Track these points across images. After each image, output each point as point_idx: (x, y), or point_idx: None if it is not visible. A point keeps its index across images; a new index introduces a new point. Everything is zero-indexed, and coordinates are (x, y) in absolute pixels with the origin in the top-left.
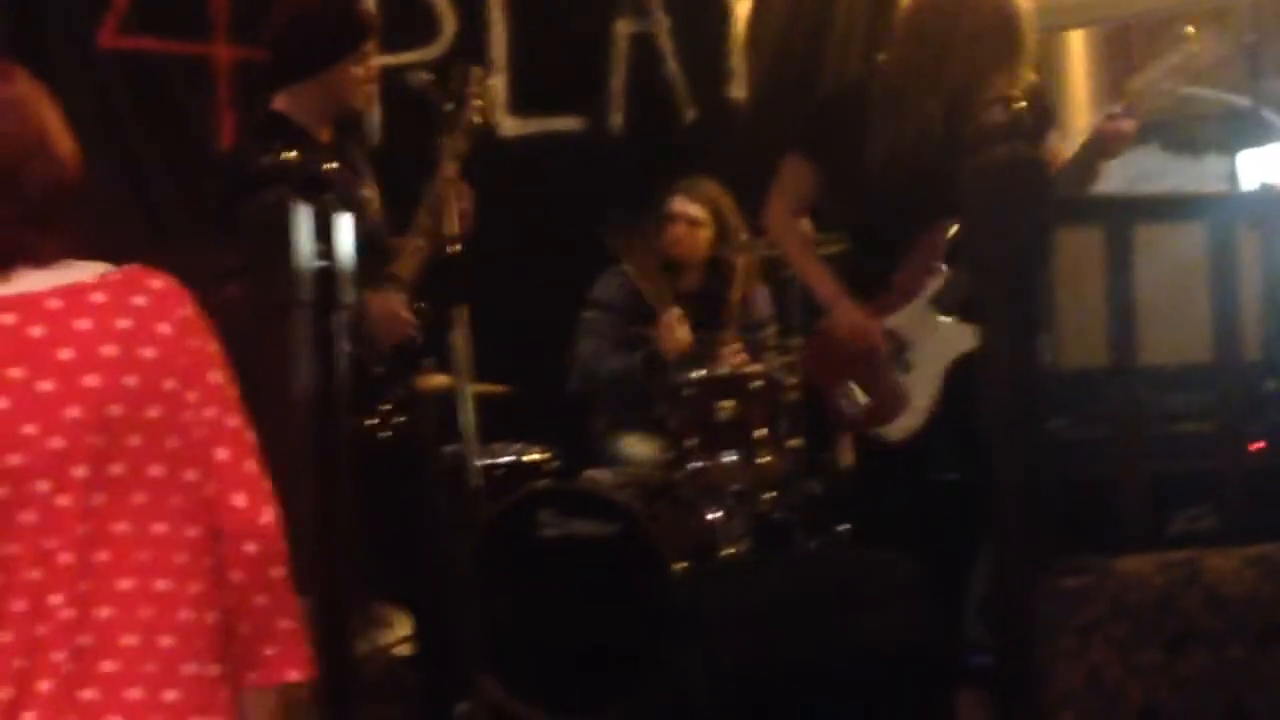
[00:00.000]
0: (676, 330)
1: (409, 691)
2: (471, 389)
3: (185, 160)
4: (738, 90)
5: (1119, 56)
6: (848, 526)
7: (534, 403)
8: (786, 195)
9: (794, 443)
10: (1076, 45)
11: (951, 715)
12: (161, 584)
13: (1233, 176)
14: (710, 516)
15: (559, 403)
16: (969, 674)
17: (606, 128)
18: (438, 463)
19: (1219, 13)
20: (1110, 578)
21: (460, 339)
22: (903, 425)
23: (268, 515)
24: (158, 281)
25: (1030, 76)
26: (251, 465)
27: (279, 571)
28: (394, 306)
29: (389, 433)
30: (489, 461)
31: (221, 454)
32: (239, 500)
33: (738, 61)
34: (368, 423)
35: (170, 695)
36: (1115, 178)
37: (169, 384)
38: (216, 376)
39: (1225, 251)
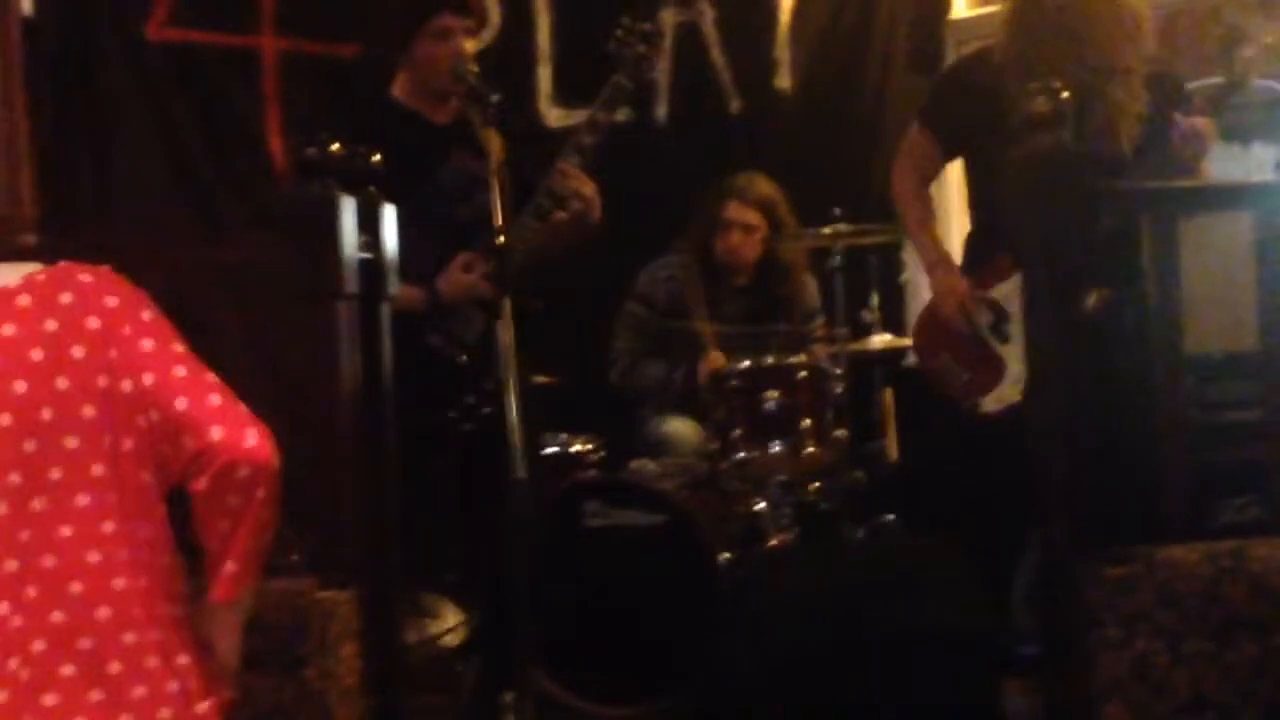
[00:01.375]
0: (715, 364)
1: (455, 681)
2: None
3: (232, 152)
4: (783, 80)
5: (1168, 44)
6: (893, 516)
7: (580, 393)
8: (910, 164)
9: (839, 433)
10: None
11: (998, 704)
12: (119, 582)
13: None
14: (756, 507)
15: (605, 393)
16: (1016, 663)
17: (652, 118)
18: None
19: (1266, 1)
20: (1157, 567)
21: (505, 330)
22: (999, 396)
23: (252, 438)
24: (87, 275)
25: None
26: (216, 399)
27: (265, 491)
28: (453, 272)
29: (472, 424)
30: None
31: (180, 404)
32: (215, 434)
33: (783, 51)
34: (452, 414)
35: (138, 692)
36: None
37: (103, 380)
38: (149, 345)
39: (1272, 241)
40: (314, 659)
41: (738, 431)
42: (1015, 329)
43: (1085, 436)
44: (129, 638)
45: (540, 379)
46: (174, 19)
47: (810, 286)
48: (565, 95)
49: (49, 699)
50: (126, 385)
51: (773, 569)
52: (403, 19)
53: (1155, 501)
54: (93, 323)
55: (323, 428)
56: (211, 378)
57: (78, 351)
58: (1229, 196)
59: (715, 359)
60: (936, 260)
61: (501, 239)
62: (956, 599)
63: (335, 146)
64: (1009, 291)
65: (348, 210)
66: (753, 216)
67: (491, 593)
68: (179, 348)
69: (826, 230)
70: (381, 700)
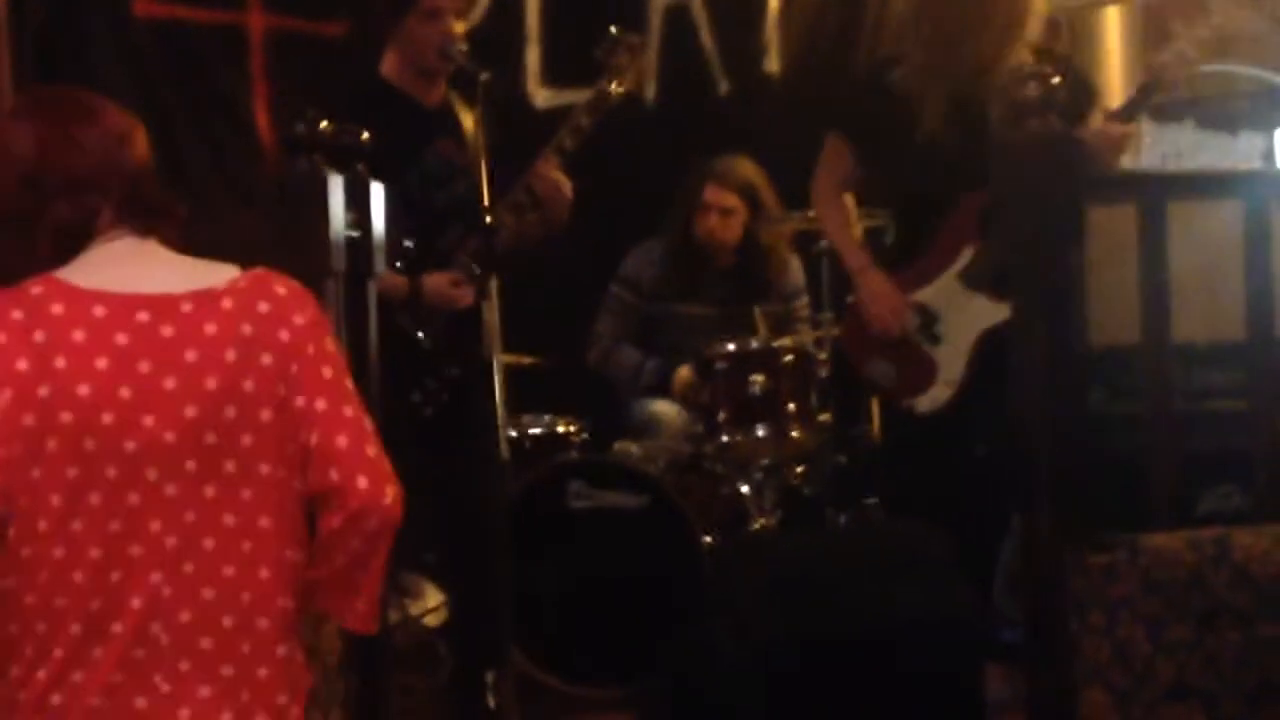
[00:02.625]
0: (688, 387)
1: (436, 661)
2: (502, 360)
3: (218, 129)
4: (772, 64)
5: (1154, 32)
6: (876, 500)
7: (564, 374)
8: (828, 172)
9: (824, 417)
10: (1112, 21)
11: (980, 689)
12: (263, 572)
13: (1269, 154)
14: (740, 490)
15: (588, 374)
16: (998, 648)
17: (640, 99)
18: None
19: None
20: (1140, 554)
21: (490, 310)
22: (931, 397)
23: (389, 495)
24: (282, 288)
25: (1058, 47)
26: (370, 449)
27: (387, 544)
28: (443, 283)
29: (433, 409)
30: (519, 432)
31: (340, 441)
32: (362, 483)
33: (772, 35)
34: (414, 398)
35: (262, 673)
36: (1149, 154)
37: (281, 389)
38: (328, 372)
39: (1259, 229)
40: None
41: (722, 414)
42: (944, 329)
43: (1069, 423)
44: (263, 623)
45: (524, 359)
46: None
47: (793, 266)
48: (553, 76)
49: (184, 665)
50: (300, 401)
51: (755, 552)
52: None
53: (1139, 489)
54: (283, 335)
55: None
56: (369, 424)
57: (266, 359)
58: (1216, 184)
59: (684, 376)
60: (864, 266)
61: (489, 218)
62: (939, 584)
63: (324, 124)
64: (935, 293)
65: (335, 188)
66: (731, 200)
67: (471, 574)
68: (349, 384)
69: (812, 213)
70: (362, 679)
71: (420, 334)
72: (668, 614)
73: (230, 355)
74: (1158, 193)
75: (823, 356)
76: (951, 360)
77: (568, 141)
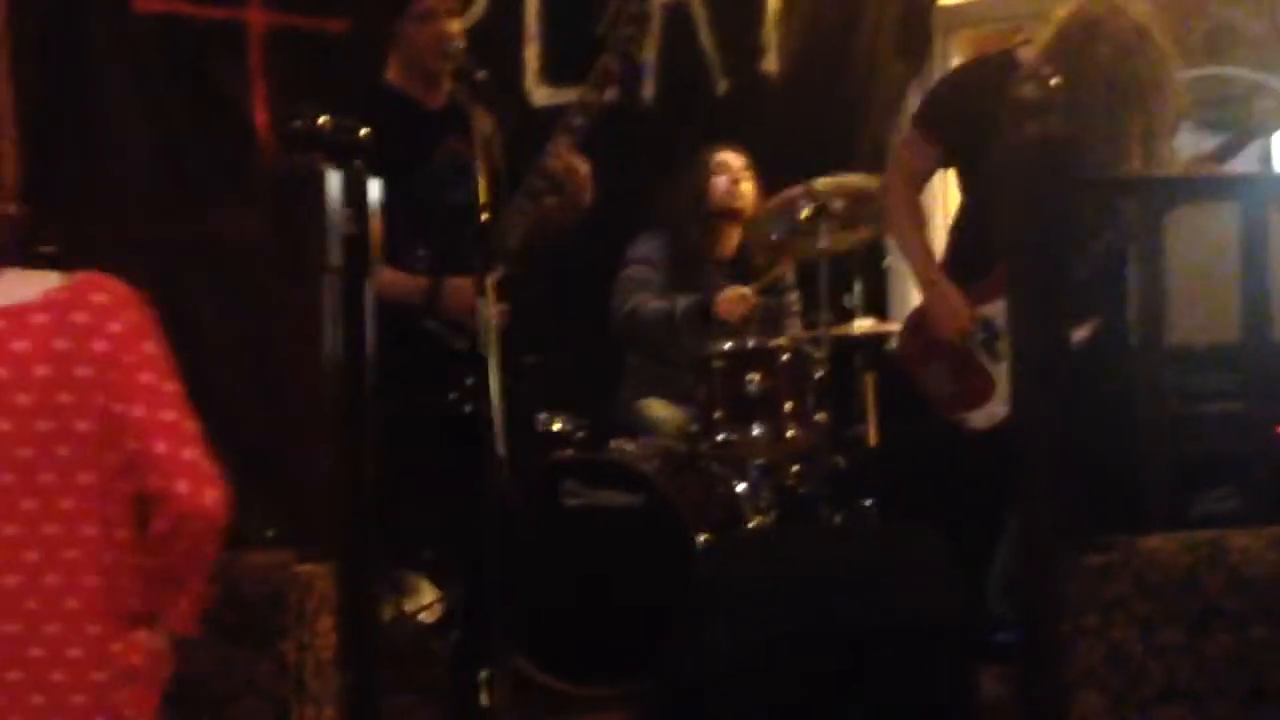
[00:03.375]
0: (740, 301)
1: (431, 658)
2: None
3: (217, 125)
4: (771, 63)
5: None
6: (872, 501)
7: (561, 372)
8: (900, 166)
9: (820, 417)
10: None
11: (974, 690)
12: (90, 579)
13: (1266, 157)
14: (736, 489)
15: (586, 372)
16: (992, 650)
17: (639, 98)
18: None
19: None
20: (1134, 556)
21: (488, 307)
22: (988, 413)
23: (210, 498)
24: (102, 295)
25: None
26: (190, 453)
27: (211, 546)
28: (466, 292)
29: (471, 406)
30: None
31: (159, 447)
32: (182, 487)
33: (771, 35)
34: (453, 396)
35: (98, 675)
36: None
37: (100, 398)
38: (146, 378)
39: (1256, 232)
40: (291, 632)
41: (719, 413)
42: (1006, 347)
43: (1066, 424)
44: (93, 629)
45: (531, 359)
46: None
47: (787, 260)
48: (552, 75)
49: (13, 675)
50: (118, 408)
51: (751, 551)
52: (388, 4)
53: (1134, 491)
54: (99, 345)
55: (304, 401)
56: (193, 427)
57: (82, 371)
58: (1213, 187)
59: (731, 294)
60: (934, 276)
61: (485, 217)
62: (933, 585)
63: (322, 119)
64: (1001, 310)
65: (333, 184)
66: (740, 161)
67: (468, 570)
68: (171, 387)
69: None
70: (357, 675)
71: (448, 336)
72: (662, 613)
73: (41, 371)
74: (1155, 195)
75: (820, 356)
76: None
77: (577, 119)
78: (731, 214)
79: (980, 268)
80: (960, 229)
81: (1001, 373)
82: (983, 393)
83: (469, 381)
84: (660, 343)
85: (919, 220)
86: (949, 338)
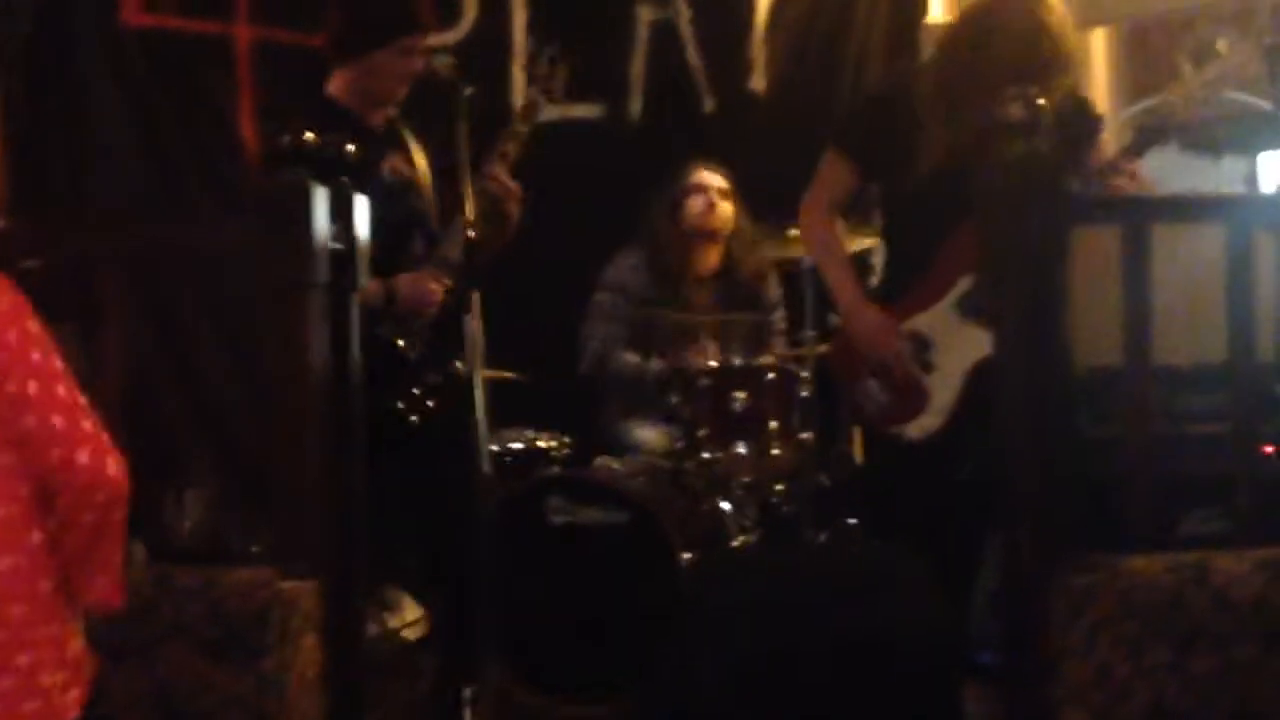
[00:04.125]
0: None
1: (417, 674)
2: (483, 375)
3: (206, 139)
4: (757, 81)
5: (1139, 55)
6: (856, 520)
7: (546, 389)
8: (822, 192)
9: (805, 436)
10: (1098, 44)
11: (959, 710)
12: (6, 560)
13: (1252, 178)
14: (721, 507)
15: (571, 389)
16: (977, 670)
17: (626, 115)
18: (467, 448)
19: (1240, 14)
20: (1120, 576)
21: (474, 325)
22: (922, 424)
23: (112, 467)
24: None
25: (1070, 81)
26: (88, 425)
27: (120, 514)
28: (420, 281)
29: (418, 416)
30: (500, 447)
31: (57, 421)
32: (82, 457)
33: (758, 52)
34: (399, 405)
35: (23, 659)
36: None
37: None
38: (36, 355)
39: (1242, 253)
40: (275, 649)
41: (704, 431)
42: (938, 357)
43: (1050, 444)
44: (17, 610)
45: (506, 374)
46: (150, 4)
47: (772, 278)
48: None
49: None
50: (12, 387)
51: (735, 569)
52: (374, 30)
53: (1120, 511)
54: None
55: (290, 417)
56: (83, 400)
57: None
58: (1200, 208)
59: (707, 350)
60: (852, 298)
61: (470, 232)
62: (918, 604)
63: (309, 135)
64: (930, 321)
65: (319, 199)
66: (720, 180)
67: (450, 588)
68: (58, 364)
69: (794, 232)
70: (342, 692)
71: (401, 342)
72: (647, 630)
73: None
74: (1141, 216)
75: (804, 375)
76: (943, 389)
77: (508, 147)
78: (707, 234)
79: (906, 281)
80: (887, 245)
81: (934, 383)
82: (917, 405)
83: (415, 391)
84: (630, 392)
85: (837, 241)
86: (882, 355)
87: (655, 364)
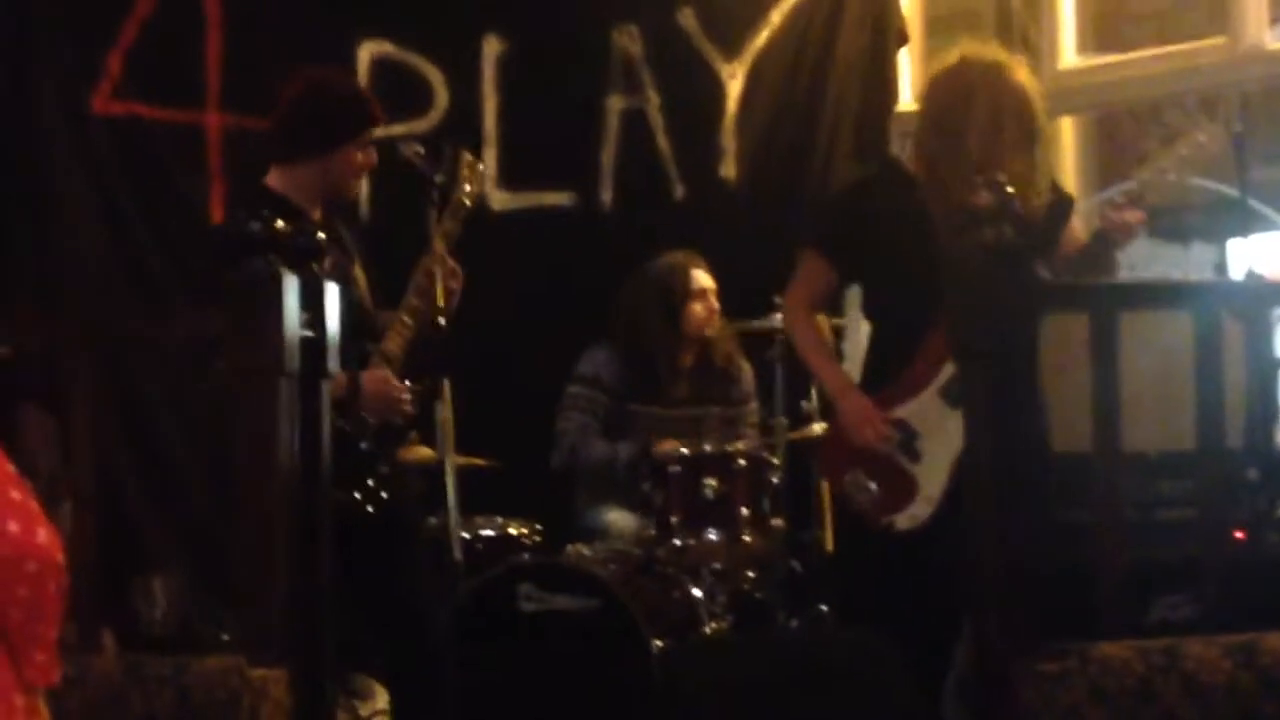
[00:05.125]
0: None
1: None
2: (455, 462)
3: (175, 227)
4: (728, 169)
5: (1108, 143)
6: (827, 607)
7: (517, 476)
8: (802, 289)
9: (776, 522)
10: (1066, 132)
11: None
12: None
13: (1221, 265)
14: (693, 593)
15: (542, 476)
16: None
17: (596, 203)
18: (420, 536)
19: (1208, 103)
20: (1090, 663)
21: (444, 412)
22: (911, 515)
23: (42, 535)
24: None
25: (1046, 159)
26: (16, 494)
27: (55, 586)
28: (387, 383)
29: (373, 507)
30: (471, 534)
31: None
32: (12, 528)
33: (729, 140)
34: (355, 495)
35: None
36: None
37: None
38: None
39: (1210, 340)
40: None
41: (675, 518)
42: (925, 445)
43: (1019, 531)
44: None
45: (476, 461)
46: (119, 92)
47: (746, 369)
48: (510, 179)
49: None
50: None
51: (707, 657)
52: (338, 127)
53: (1089, 597)
54: None
55: (259, 504)
56: (12, 469)
57: None
58: (1168, 294)
59: (670, 444)
60: (842, 387)
61: (440, 321)
62: (888, 692)
63: (279, 223)
64: (916, 410)
65: (290, 287)
66: (711, 280)
67: (416, 676)
68: None
69: (780, 323)
70: None
71: (364, 441)
72: (618, 718)
73: None
74: (1110, 302)
75: (776, 462)
76: (931, 477)
77: (438, 246)
78: (706, 339)
79: (891, 371)
80: (872, 340)
81: (922, 472)
82: (906, 495)
83: (370, 483)
84: (601, 479)
85: (821, 337)
86: (867, 446)
87: (626, 450)
